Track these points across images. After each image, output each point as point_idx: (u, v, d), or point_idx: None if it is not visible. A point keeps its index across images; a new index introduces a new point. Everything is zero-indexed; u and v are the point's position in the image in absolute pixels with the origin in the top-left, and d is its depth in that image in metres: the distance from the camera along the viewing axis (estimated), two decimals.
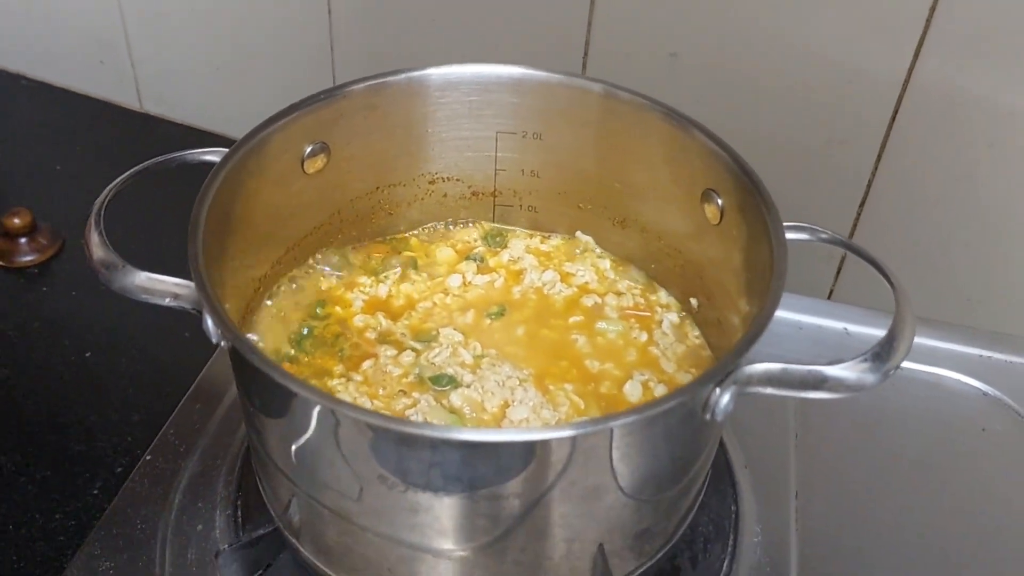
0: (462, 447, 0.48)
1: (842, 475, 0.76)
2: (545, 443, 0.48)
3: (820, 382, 0.53)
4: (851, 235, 0.94)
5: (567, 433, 0.48)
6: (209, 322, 0.53)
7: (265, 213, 0.67)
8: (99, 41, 1.13)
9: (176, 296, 0.56)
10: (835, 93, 0.86)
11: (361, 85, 0.67)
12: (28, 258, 0.95)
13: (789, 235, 0.60)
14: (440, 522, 0.53)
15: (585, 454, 0.50)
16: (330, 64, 1.04)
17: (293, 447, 0.55)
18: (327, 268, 0.73)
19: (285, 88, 1.07)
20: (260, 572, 0.65)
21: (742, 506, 0.72)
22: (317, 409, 0.50)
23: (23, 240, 0.95)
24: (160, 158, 0.65)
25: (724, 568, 0.68)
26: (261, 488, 0.64)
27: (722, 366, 0.51)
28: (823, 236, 0.61)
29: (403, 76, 0.68)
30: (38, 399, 0.82)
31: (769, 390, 0.54)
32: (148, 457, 0.73)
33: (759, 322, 0.51)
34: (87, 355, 0.86)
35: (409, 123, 0.71)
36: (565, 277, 0.75)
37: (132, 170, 0.63)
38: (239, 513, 0.69)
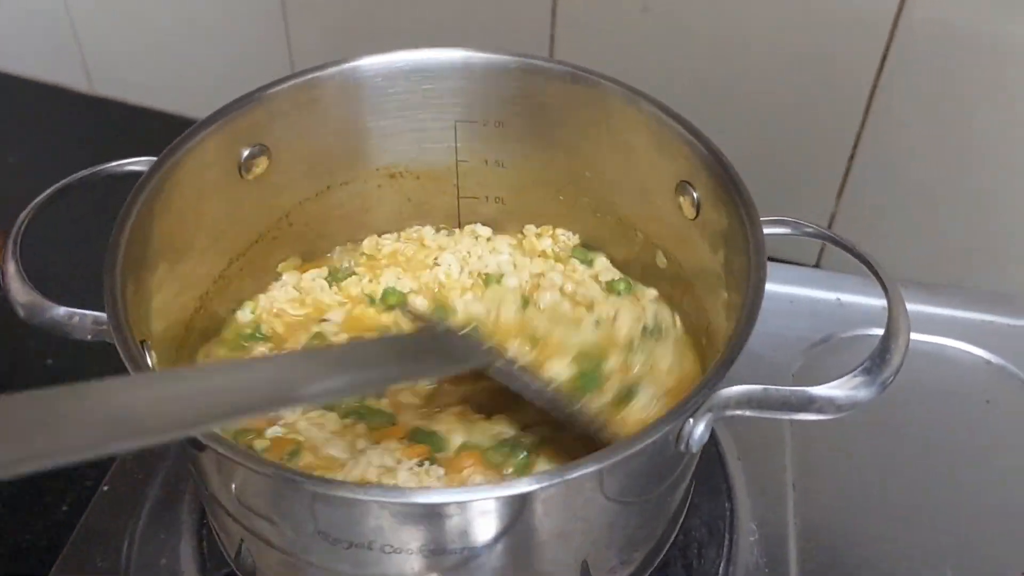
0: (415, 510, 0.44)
1: (841, 459, 0.72)
2: (497, 500, 0.44)
3: (806, 403, 0.49)
4: (840, 192, 0.87)
5: (522, 489, 0.43)
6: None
7: (201, 225, 0.62)
8: (44, 23, 1.07)
9: (98, 332, 0.52)
10: (819, 39, 0.79)
11: (287, 84, 0.61)
12: None
13: (769, 230, 0.56)
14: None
15: (544, 504, 0.46)
16: (284, 36, 0.97)
17: (232, 494, 0.50)
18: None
19: (240, 63, 1.02)
20: None
21: (736, 504, 0.68)
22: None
23: None
24: (82, 172, 0.60)
25: (720, 573, 0.64)
26: (212, 528, 0.60)
27: (692, 398, 0.46)
28: (807, 230, 0.57)
29: (334, 70, 0.62)
30: None
31: (749, 413, 0.49)
32: (105, 488, 0.69)
33: (734, 345, 0.47)
34: (48, 362, 0.82)
35: (352, 117, 0.65)
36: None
37: (51, 189, 0.59)
38: (204, 545, 0.65)
